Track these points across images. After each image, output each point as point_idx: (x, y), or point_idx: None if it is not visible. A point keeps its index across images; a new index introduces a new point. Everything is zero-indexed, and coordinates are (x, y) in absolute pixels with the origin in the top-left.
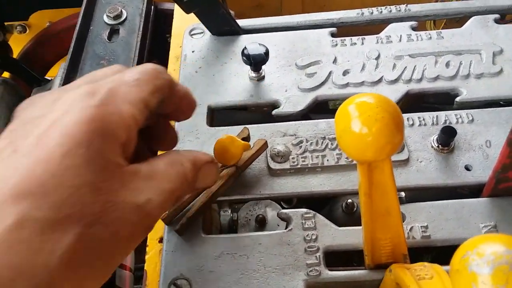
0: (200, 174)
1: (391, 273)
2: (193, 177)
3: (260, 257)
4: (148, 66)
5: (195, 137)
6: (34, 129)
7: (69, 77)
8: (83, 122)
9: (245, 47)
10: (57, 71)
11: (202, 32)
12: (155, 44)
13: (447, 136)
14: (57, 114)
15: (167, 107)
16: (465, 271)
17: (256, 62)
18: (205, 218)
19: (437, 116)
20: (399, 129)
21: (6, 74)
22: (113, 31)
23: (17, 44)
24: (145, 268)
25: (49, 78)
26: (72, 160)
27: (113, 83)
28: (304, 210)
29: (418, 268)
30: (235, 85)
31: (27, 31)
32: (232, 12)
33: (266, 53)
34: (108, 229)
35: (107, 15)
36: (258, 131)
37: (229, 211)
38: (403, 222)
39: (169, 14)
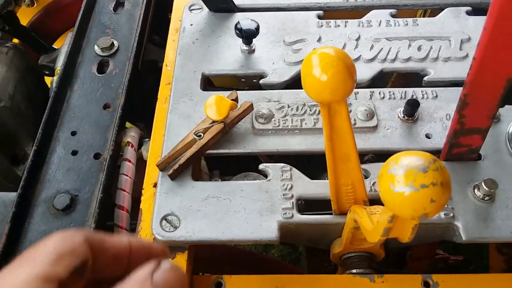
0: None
1: (351, 213)
2: None
3: (241, 201)
4: (50, 238)
5: (189, 99)
6: None
7: (77, 42)
8: None
9: (238, 22)
10: (62, 42)
11: (200, 8)
12: (157, 18)
13: (411, 107)
14: None
15: (100, 266)
16: (386, 174)
17: (248, 35)
18: (194, 166)
19: (405, 91)
20: (351, 76)
21: (15, 41)
22: (119, 3)
23: (25, 16)
24: (140, 207)
25: (56, 47)
26: None
27: None
28: (282, 164)
29: (373, 208)
30: (227, 56)
31: (35, 5)
32: None
33: (257, 28)
34: None
35: None
36: (246, 97)
37: (220, 181)
38: (367, 178)
39: None
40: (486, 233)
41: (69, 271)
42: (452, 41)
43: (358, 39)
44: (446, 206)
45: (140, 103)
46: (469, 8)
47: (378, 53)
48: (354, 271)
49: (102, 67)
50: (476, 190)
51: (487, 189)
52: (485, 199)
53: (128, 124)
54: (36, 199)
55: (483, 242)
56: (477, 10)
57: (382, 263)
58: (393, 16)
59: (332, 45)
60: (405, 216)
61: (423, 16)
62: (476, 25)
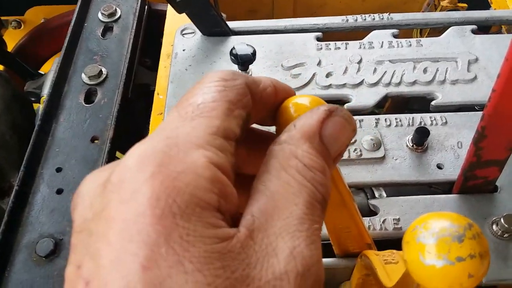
0: (329, 140)
1: (362, 259)
2: (321, 157)
3: None
4: (211, 77)
5: None
6: (96, 244)
7: (63, 70)
8: (145, 212)
9: (234, 47)
10: (50, 67)
11: (193, 32)
12: (148, 43)
13: (421, 136)
14: (114, 212)
15: (257, 114)
16: (414, 242)
17: (244, 61)
18: None
19: (413, 117)
20: None
21: (0, 67)
22: (107, 29)
23: (12, 39)
24: None
25: (42, 73)
26: (157, 271)
27: (165, 129)
28: None
29: (386, 254)
30: None
31: (22, 27)
32: (224, 15)
33: (253, 53)
34: None
35: (102, 13)
36: None
37: None
38: (377, 215)
39: (162, 15)
40: (507, 274)
41: (241, 127)
42: (459, 62)
43: (360, 62)
44: None
45: (131, 131)
46: (474, 26)
47: (382, 76)
48: None
49: (89, 97)
50: (494, 226)
51: (506, 225)
52: (504, 236)
53: (118, 155)
54: (18, 244)
55: (505, 283)
56: (482, 28)
57: None
58: (395, 36)
59: (331, 69)
60: None
61: (420, 36)
62: (483, 44)
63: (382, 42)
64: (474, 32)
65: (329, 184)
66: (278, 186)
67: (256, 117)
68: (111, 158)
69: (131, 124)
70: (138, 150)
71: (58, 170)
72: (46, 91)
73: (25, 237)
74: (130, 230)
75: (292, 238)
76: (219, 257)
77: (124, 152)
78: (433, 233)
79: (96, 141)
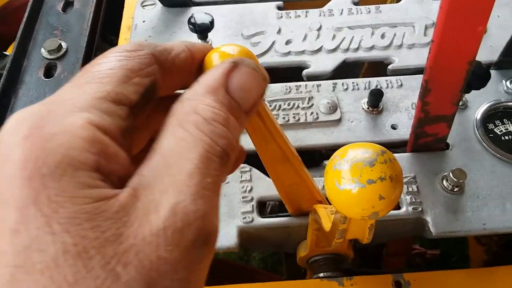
0: (236, 93)
1: (312, 214)
2: (224, 108)
3: None
4: (114, 49)
5: None
6: None
7: (22, 46)
8: (14, 175)
9: (192, 16)
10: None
11: (153, 4)
12: (111, 17)
13: (375, 98)
14: None
15: (166, 82)
16: (331, 170)
17: (202, 30)
18: None
19: (369, 81)
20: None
21: None
22: (68, 3)
23: None
24: None
25: (7, 53)
26: (25, 233)
27: (54, 96)
28: (241, 164)
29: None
30: None
31: None
32: None
33: (211, 22)
34: None
35: None
36: None
37: None
38: None
39: None
40: (457, 227)
41: (140, 93)
42: (416, 27)
43: (319, 29)
44: (414, 199)
45: None
46: None
47: (341, 42)
48: (321, 274)
49: (49, 71)
50: (444, 182)
51: (455, 179)
52: (454, 190)
53: None
54: None
55: (454, 236)
56: None
57: (358, 263)
58: (355, 4)
59: (291, 37)
60: (354, 216)
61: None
62: None
63: (342, 9)
64: None
65: (233, 137)
66: (172, 143)
67: (172, 83)
68: None
69: None
70: (17, 114)
71: None
72: None
73: None
74: (3, 194)
75: (178, 193)
76: (88, 217)
77: None
78: (348, 160)
79: None
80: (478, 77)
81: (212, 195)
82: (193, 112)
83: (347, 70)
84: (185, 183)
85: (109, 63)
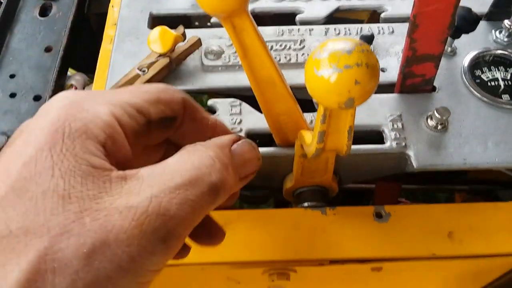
0: (236, 156)
1: (298, 139)
2: (226, 158)
3: None
4: (156, 84)
5: (136, 38)
6: (5, 149)
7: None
8: (46, 126)
9: None
10: None
11: None
12: None
13: (365, 41)
14: (28, 125)
15: (185, 132)
16: (311, 60)
17: None
18: None
19: (361, 27)
20: None
21: None
22: None
23: None
24: None
25: None
26: (33, 167)
27: (99, 91)
28: (231, 99)
29: None
30: None
31: None
32: None
33: None
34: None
35: None
36: (196, 34)
37: None
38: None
39: None
40: (438, 161)
41: (160, 116)
42: None
43: None
44: (398, 135)
45: (91, 55)
46: None
47: None
48: (305, 204)
49: (45, 11)
50: (429, 120)
51: (439, 117)
52: (438, 128)
53: (71, 71)
54: None
55: (435, 169)
56: None
57: None
58: None
59: None
60: (331, 104)
61: None
62: None
63: None
64: None
65: (228, 179)
66: (175, 159)
67: (187, 131)
68: (64, 66)
69: (92, 48)
70: (67, 92)
71: (12, 76)
72: None
73: None
74: (31, 136)
75: (160, 190)
76: (82, 174)
77: (77, 68)
78: (327, 49)
79: (49, 51)
80: (467, 20)
81: (187, 210)
82: (202, 149)
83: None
84: (170, 188)
85: (148, 88)
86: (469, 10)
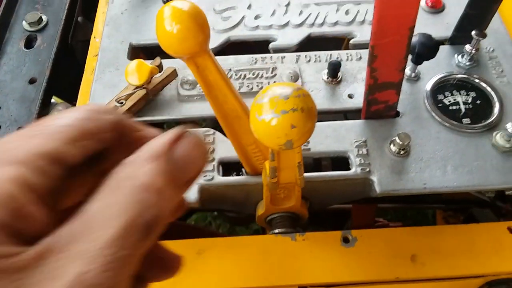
0: (178, 160)
1: (263, 170)
2: (161, 177)
3: None
4: (85, 106)
5: (116, 69)
6: None
7: (4, 19)
8: None
9: None
10: None
11: None
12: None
13: (332, 68)
14: None
15: (121, 158)
16: (254, 104)
17: None
18: None
19: (331, 54)
20: (202, 29)
21: None
22: None
23: None
24: None
25: None
26: None
27: (1, 142)
28: (205, 128)
29: None
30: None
31: None
32: None
33: None
34: None
35: None
36: (173, 63)
37: None
38: None
39: None
40: (399, 186)
41: (84, 156)
42: None
43: (288, 5)
44: (363, 161)
45: (75, 83)
46: None
47: (307, 18)
48: (276, 231)
49: (30, 42)
50: (391, 146)
51: (400, 142)
52: (400, 153)
53: (56, 99)
54: None
55: (397, 194)
56: None
57: None
58: None
59: (260, 12)
60: (272, 145)
61: None
62: None
63: None
64: None
65: (165, 207)
66: (99, 207)
67: (128, 155)
68: (47, 97)
69: (76, 75)
70: None
71: None
72: None
73: None
74: None
75: (86, 263)
76: None
77: (63, 96)
78: (267, 94)
79: (34, 83)
80: (427, 47)
81: (125, 268)
82: (130, 177)
83: (323, 46)
84: (99, 252)
85: (66, 120)
86: (429, 37)
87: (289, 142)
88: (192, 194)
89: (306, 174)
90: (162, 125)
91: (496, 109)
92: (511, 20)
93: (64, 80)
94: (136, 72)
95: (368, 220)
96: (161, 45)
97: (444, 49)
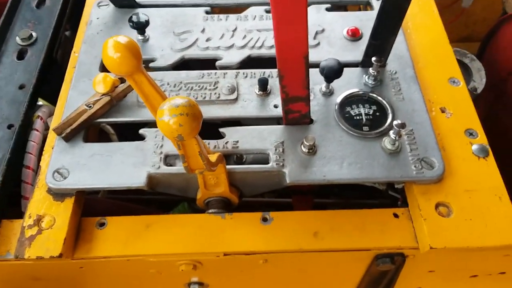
0: None
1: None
2: None
3: (120, 157)
4: None
5: (89, 79)
6: None
7: (2, 35)
8: None
9: (131, 16)
10: None
11: (107, 4)
12: (73, 13)
13: (261, 83)
14: None
15: None
16: (158, 110)
17: (139, 27)
18: (89, 131)
19: (264, 72)
20: (134, 56)
21: None
22: (41, 1)
23: None
24: (40, 164)
25: None
26: None
27: None
28: (157, 128)
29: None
30: None
31: None
32: None
33: (147, 21)
34: None
35: None
36: None
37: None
38: (223, 138)
39: None
40: (304, 177)
41: None
42: (309, 32)
43: (235, 30)
44: (279, 157)
45: (58, 88)
46: (328, 5)
47: (248, 41)
48: (210, 211)
49: (21, 55)
50: (302, 146)
51: (307, 143)
52: (309, 152)
53: (41, 100)
54: None
55: (302, 184)
56: (335, 7)
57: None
58: (267, 12)
59: (211, 35)
60: (170, 138)
61: None
62: (331, 19)
63: (255, 15)
64: (328, 9)
65: None
66: None
67: None
68: (33, 100)
69: (58, 78)
70: None
71: None
72: None
73: None
74: None
75: None
76: None
77: (48, 100)
78: (168, 103)
79: (23, 88)
80: (334, 70)
81: None
82: None
83: (246, 62)
84: None
85: None
86: (336, 61)
87: (180, 136)
88: (141, 180)
89: (232, 166)
90: (123, 125)
91: (388, 120)
92: (416, 47)
93: (49, 86)
94: (102, 82)
95: (306, 208)
96: (107, 67)
97: (355, 71)
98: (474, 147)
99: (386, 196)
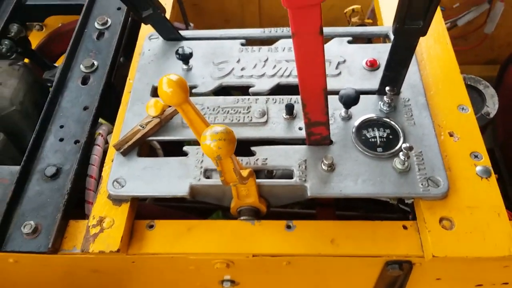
0: None
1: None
2: None
3: (167, 170)
4: None
5: (141, 103)
6: None
7: (68, 63)
8: None
9: (178, 49)
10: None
11: (158, 37)
12: (128, 44)
13: (288, 109)
14: None
15: None
16: (201, 135)
17: (183, 58)
18: (141, 147)
19: (291, 98)
20: (182, 90)
21: (26, 60)
22: (101, 33)
23: (35, 39)
24: (102, 174)
25: (56, 65)
26: None
27: None
28: (198, 146)
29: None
30: (172, 72)
31: (44, 29)
32: (191, 24)
33: (191, 53)
34: None
35: (97, 22)
36: None
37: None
38: (253, 156)
39: (140, 24)
40: (323, 191)
41: None
42: (332, 62)
43: (266, 60)
44: (301, 174)
45: (116, 109)
46: (350, 38)
47: (278, 71)
48: (241, 218)
49: (85, 81)
50: (322, 164)
51: (326, 162)
52: (328, 169)
53: (102, 120)
54: (34, 169)
55: (321, 197)
56: (356, 40)
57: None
58: None
59: (245, 65)
60: (210, 157)
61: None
62: (352, 51)
63: (285, 47)
64: (349, 42)
65: None
66: None
67: None
68: (95, 120)
69: (115, 99)
70: None
71: (61, 127)
72: None
73: (38, 166)
74: None
75: None
76: None
77: (107, 119)
78: (209, 130)
79: (86, 110)
80: (351, 98)
81: None
82: None
83: (275, 89)
84: None
85: None
86: (353, 90)
87: (219, 156)
88: (185, 190)
89: (261, 180)
90: (169, 142)
91: (400, 142)
92: (429, 77)
93: (109, 106)
94: (153, 107)
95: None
96: (161, 99)
97: (372, 98)
98: (478, 168)
99: (398, 210)
